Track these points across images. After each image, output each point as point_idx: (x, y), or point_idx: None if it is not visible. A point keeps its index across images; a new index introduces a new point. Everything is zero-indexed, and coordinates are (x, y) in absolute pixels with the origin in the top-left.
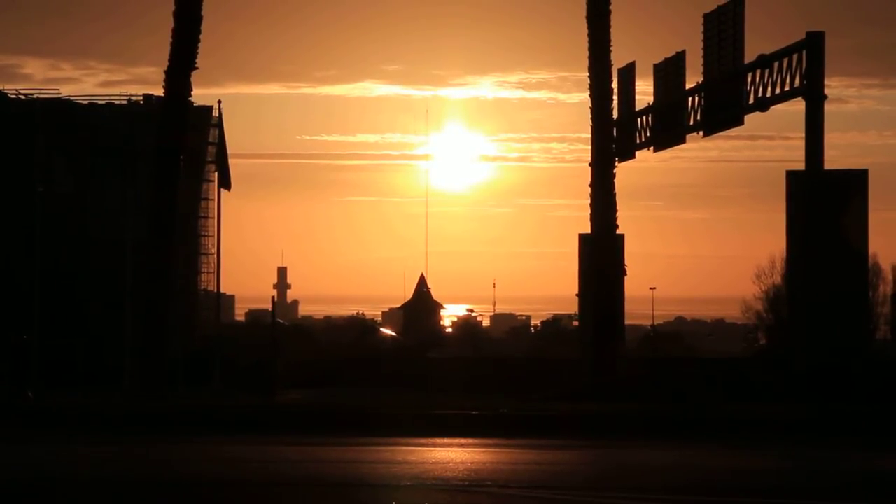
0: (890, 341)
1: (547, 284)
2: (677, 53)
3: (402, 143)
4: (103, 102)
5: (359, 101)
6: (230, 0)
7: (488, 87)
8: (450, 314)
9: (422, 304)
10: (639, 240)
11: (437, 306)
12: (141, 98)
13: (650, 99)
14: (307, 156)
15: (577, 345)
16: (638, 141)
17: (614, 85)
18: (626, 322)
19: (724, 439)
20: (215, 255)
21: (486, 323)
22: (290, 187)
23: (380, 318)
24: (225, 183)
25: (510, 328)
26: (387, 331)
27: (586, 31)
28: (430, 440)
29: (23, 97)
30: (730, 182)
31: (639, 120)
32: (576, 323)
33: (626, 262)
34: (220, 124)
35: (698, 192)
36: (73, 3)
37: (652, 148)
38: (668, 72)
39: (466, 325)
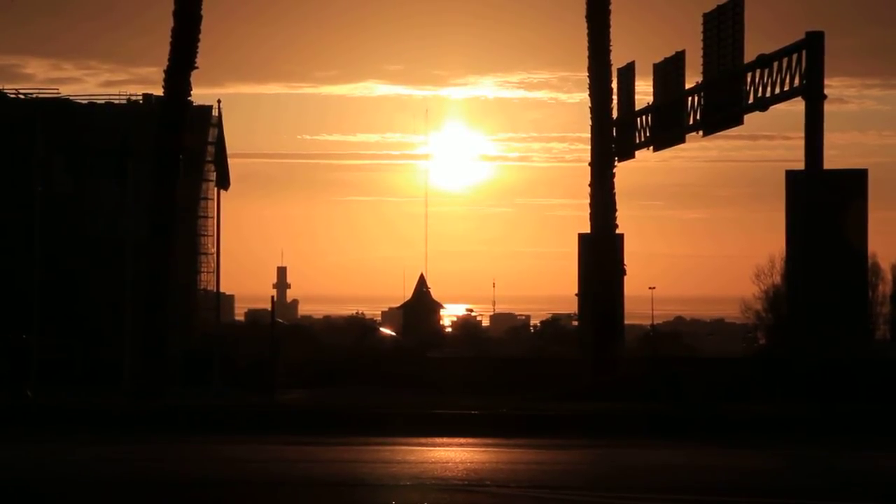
0: (890, 341)
1: (547, 284)
2: (677, 53)
3: (403, 142)
4: (103, 102)
5: (359, 100)
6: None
7: (489, 87)
8: (449, 314)
9: (421, 303)
10: (639, 239)
11: (436, 306)
12: (140, 98)
13: (650, 98)
14: (307, 155)
15: (577, 345)
16: (638, 140)
17: (614, 85)
18: (626, 322)
19: (724, 439)
20: (215, 255)
21: (485, 323)
22: (290, 187)
23: (379, 318)
24: (223, 182)
25: (510, 328)
26: (386, 330)
27: (586, 31)
28: (430, 440)
29: (22, 97)
30: (730, 182)
31: (638, 119)
32: (575, 323)
33: (626, 261)
34: (219, 124)
35: (698, 191)
36: (73, 3)
37: (652, 148)
38: (668, 71)
39: (466, 325)
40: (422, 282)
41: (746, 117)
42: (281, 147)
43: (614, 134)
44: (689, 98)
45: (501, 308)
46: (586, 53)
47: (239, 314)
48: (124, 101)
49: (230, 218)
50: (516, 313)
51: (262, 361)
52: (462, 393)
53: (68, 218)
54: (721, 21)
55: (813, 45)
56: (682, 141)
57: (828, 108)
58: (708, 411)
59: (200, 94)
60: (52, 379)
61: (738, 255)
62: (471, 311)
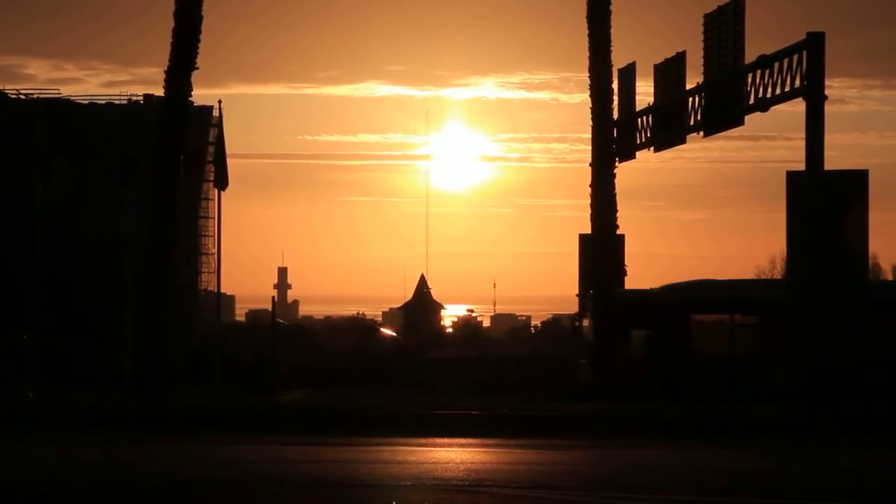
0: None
1: (547, 284)
2: (678, 54)
3: (404, 143)
4: (104, 103)
5: (360, 101)
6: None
7: (490, 88)
8: (450, 314)
9: (422, 304)
10: (639, 240)
11: (437, 306)
12: (141, 98)
13: (651, 99)
14: (308, 156)
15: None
16: (638, 141)
17: (615, 85)
18: None
19: (723, 439)
20: (215, 255)
21: (486, 323)
22: (291, 187)
23: (380, 319)
24: (221, 183)
25: (510, 328)
26: (387, 331)
27: (587, 32)
28: (430, 440)
29: (23, 97)
30: (731, 183)
31: (639, 120)
32: (576, 323)
33: (627, 262)
34: (220, 124)
35: (699, 192)
36: (74, 3)
37: (652, 148)
38: (669, 72)
39: (467, 326)
40: (422, 282)
41: (747, 118)
42: (281, 147)
43: (615, 134)
44: (690, 98)
45: (502, 308)
46: (587, 54)
47: (240, 315)
48: (125, 102)
49: (231, 218)
50: (517, 314)
51: (263, 362)
52: (462, 393)
53: (68, 218)
54: (722, 21)
55: (814, 45)
56: (683, 141)
57: (829, 108)
58: (708, 411)
59: (201, 94)
60: (53, 379)
61: (738, 256)
62: (471, 311)
